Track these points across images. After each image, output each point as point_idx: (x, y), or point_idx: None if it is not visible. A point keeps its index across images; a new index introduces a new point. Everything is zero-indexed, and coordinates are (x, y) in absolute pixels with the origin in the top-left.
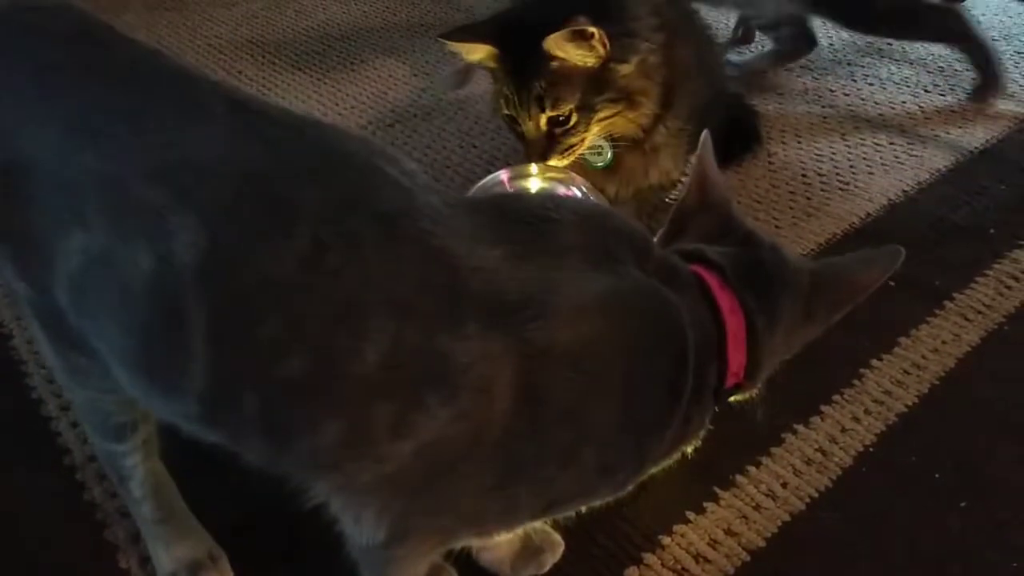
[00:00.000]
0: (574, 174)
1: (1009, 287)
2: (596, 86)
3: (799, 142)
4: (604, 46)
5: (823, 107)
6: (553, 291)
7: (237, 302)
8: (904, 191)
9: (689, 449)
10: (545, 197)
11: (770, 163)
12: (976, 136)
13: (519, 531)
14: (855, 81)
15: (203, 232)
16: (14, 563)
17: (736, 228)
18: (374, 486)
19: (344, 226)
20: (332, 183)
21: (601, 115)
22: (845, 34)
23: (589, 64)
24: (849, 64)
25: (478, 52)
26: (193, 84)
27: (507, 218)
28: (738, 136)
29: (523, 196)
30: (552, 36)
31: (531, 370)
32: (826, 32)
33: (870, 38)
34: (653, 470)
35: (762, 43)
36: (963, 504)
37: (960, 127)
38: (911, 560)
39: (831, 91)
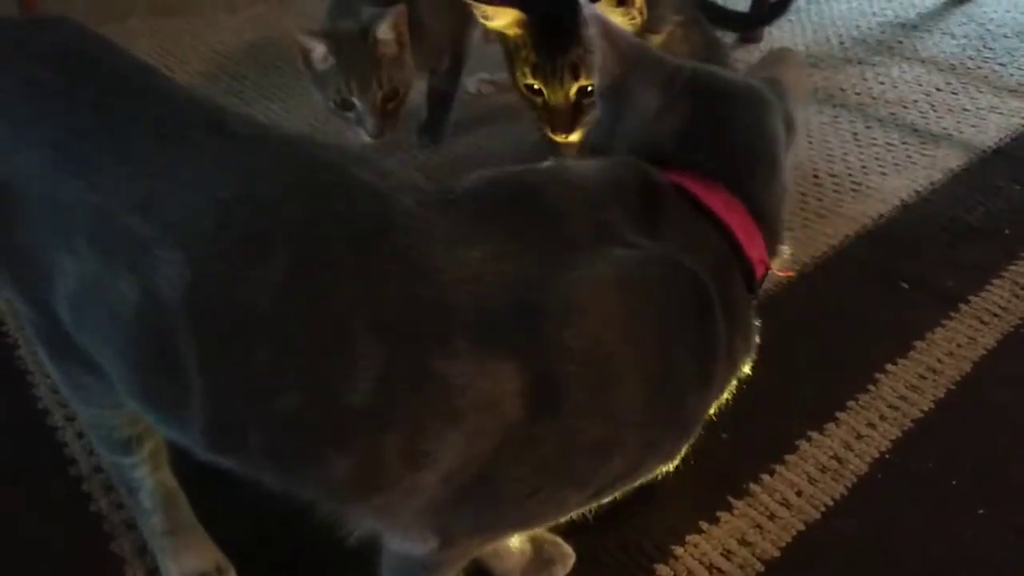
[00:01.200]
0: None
1: None
2: None
3: (810, 142)
4: (642, 13)
5: (834, 107)
6: (543, 289)
7: (225, 335)
8: (917, 191)
9: (746, 368)
10: (524, 171)
11: None
12: (989, 135)
13: (529, 542)
14: (866, 80)
15: (187, 265)
16: (20, 574)
17: (674, 74)
18: (410, 513)
19: (321, 249)
20: (307, 205)
21: None
22: (855, 33)
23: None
24: (860, 63)
25: (504, 17)
26: (176, 107)
27: (485, 208)
28: None
29: (499, 175)
30: (597, 3)
31: (537, 375)
32: (836, 31)
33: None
34: (711, 410)
35: (769, 43)
36: (981, 511)
37: (973, 126)
38: (928, 569)
39: (842, 90)
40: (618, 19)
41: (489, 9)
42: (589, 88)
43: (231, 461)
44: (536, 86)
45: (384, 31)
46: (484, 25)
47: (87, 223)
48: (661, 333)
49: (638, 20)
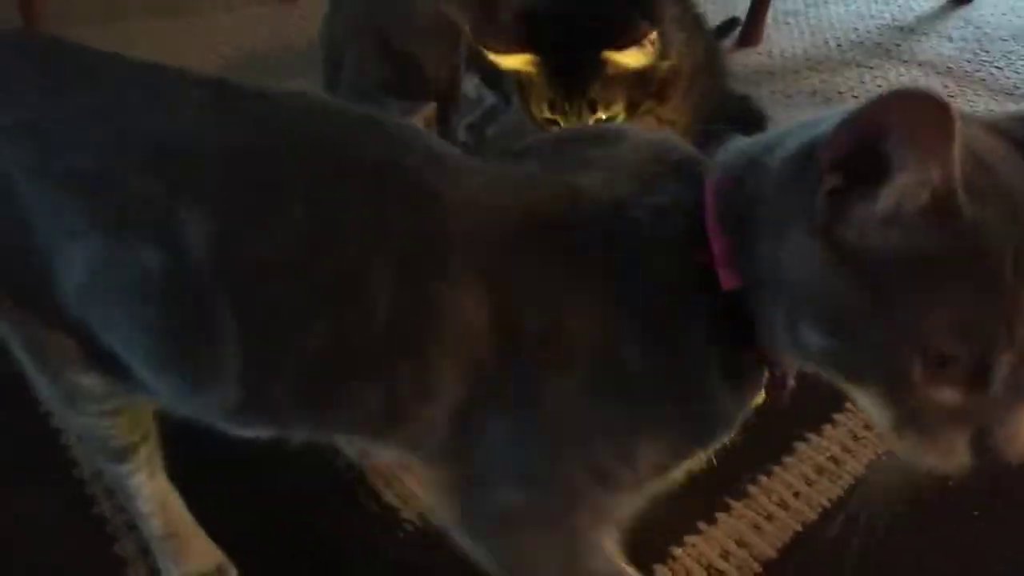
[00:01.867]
0: None
1: None
2: (641, 84)
3: None
4: (654, 44)
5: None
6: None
7: (255, 282)
8: None
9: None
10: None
11: None
12: None
13: None
14: (864, 83)
15: (209, 219)
16: None
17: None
18: (434, 452)
19: (333, 187)
20: (316, 146)
21: (641, 111)
22: (853, 36)
23: (641, 66)
24: (858, 66)
25: (516, 60)
26: (161, 72)
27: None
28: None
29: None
30: (618, 52)
31: (502, 308)
32: (834, 34)
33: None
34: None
35: (768, 47)
36: (976, 513)
37: None
38: (923, 570)
39: (840, 93)
40: (633, 58)
41: (497, 57)
42: (604, 118)
43: (261, 421)
44: (552, 118)
45: None
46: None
47: (89, 197)
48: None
49: (651, 52)
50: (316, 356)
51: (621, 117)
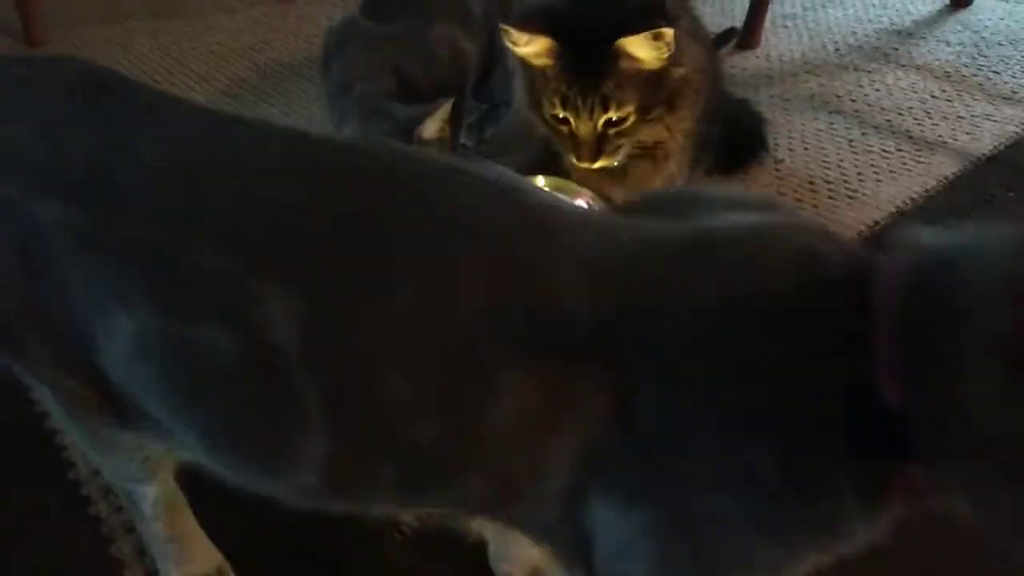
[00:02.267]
0: (579, 186)
1: None
2: (654, 87)
3: (806, 149)
4: (669, 47)
5: (829, 113)
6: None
7: (352, 369)
8: (912, 199)
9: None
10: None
11: (777, 170)
12: (984, 142)
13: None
14: (862, 87)
15: (295, 299)
16: None
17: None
18: (543, 530)
19: (443, 260)
20: (418, 208)
21: (651, 116)
22: (851, 40)
23: (654, 66)
24: (856, 70)
25: (535, 45)
26: (232, 124)
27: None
28: (745, 143)
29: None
30: (632, 37)
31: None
32: (832, 38)
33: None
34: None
35: (766, 50)
36: None
37: (967, 133)
38: (926, 568)
39: (838, 97)
40: (648, 55)
41: (519, 36)
42: (616, 119)
43: (338, 504)
44: (563, 116)
45: (430, 131)
46: (512, 51)
47: (146, 267)
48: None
49: (667, 54)
50: (420, 449)
51: (632, 120)
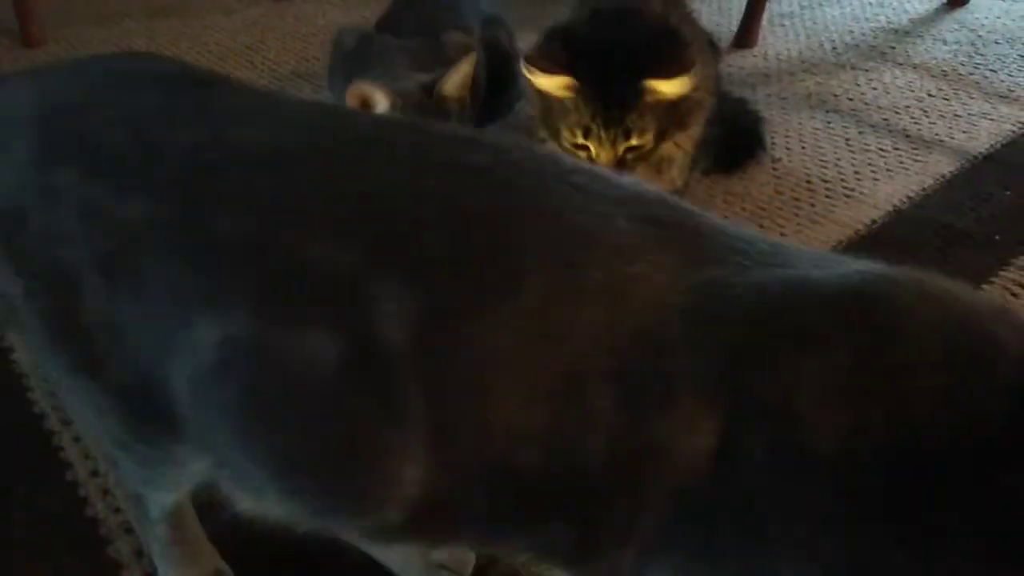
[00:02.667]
0: None
1: (1015, 295)
2: (673, 113)
3: (803, 148)
4: (692, 81)
5: (827, 112)
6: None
7: (462, 385)
8: (909, 197)
9: None
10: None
11: (774, 169)
12: (980, 141)
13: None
14: (859, 86)
15: (410, 299)
16: None
17: None
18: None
19: (567, 271)
20: (547, 209)
21: (666, 138)
22: (848, 38)
23: (676, 96)
24: (853, 68)
25: (556, 81)
26: (341, 116)
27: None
28: (742, 142)
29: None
30: (659, 81)
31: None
32: (829, 37)
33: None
34: None
35: (763, 49)
36: None
37: (964, 132)
38: None
39: (835, 96)
40: (674, 89)
41: (540, 74)
42: (635, 145)
43: (418, 540)
44: (583, 144)
45: (451, 88)
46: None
47: (248, 268)
48: None
49: (688, 88)
50: (518, 480)
51: (650, 144)
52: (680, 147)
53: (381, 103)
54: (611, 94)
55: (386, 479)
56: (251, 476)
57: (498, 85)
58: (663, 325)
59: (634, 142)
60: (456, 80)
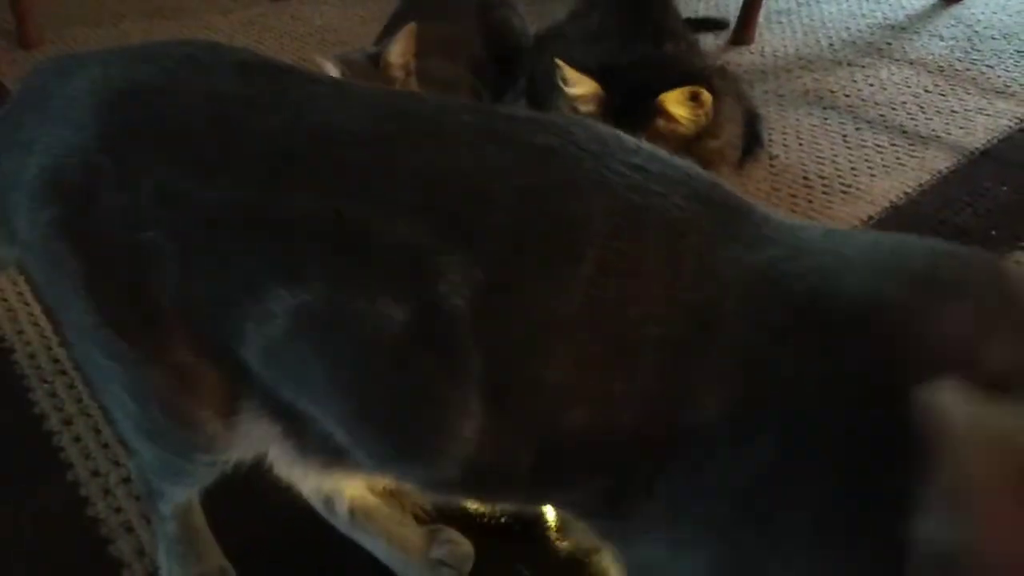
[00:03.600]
0: None
1: None
2: (689, 150)
3: (800, 145)
4: (708, 116)
5: (824, 109)
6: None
7: (520, 348)
8: (906, 193)
9: None
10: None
11: (771, 166)
12: (977, 137)
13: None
14: (855, 82)
15: (474, 268)
16: None
17: None
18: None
19: (628, 242)
20: (611, 189)
21: None
22: (845, 35)
23: (689, 130)
24: (849, 65)
25: (585, 87)
26: (404, 98)
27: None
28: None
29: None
30: (671, 93)
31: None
32: (826, 33)
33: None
34: None
35: (760, 45)
36: None
37: (961, 127)
38: None
39: (832, 92)
40: (684, 116)
41: (572, 75)
42: None
43: (473, 494)
44: None
45: (394, 56)
46: (564, 92)
47: (324, 239)
48: None
49: (703, 121)
50: (567, 438)
51: None
52: None
53: (332, 72)
54: (628, 112)
55: (446, 432)
56: (322, 429)
57: (505, 64)
58: (715, 300)
59: None
60: (398, 49)
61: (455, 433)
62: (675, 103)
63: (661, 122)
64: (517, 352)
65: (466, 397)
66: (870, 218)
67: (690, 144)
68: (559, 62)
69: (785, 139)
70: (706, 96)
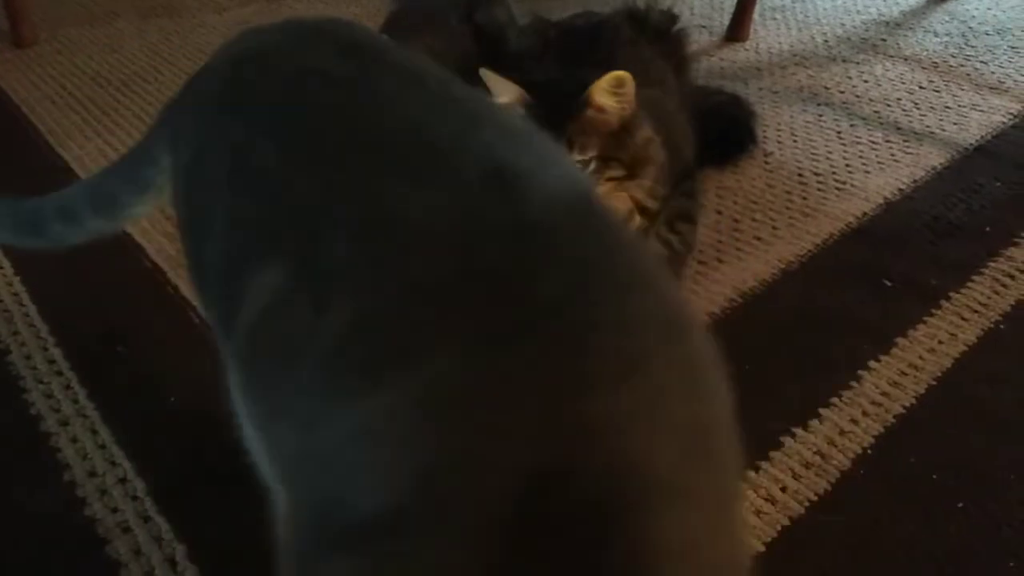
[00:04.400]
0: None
1: (1005, 285)
2: (614, 142)
3: (795, 141)
4: (631, 103)
5: (818, 105)
6: None
7: None
8: (900, 189)
9: None
10: None
11: (766, 163)
12: (971, 133)
13: None
14: (850, 79)
15: None
16: None
17: None
18: None
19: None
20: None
21: (611, 173)
22: (840, 31)
23: (615, 120)
24: (844, 61)
25: (509, 93)
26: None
27: None
28: (734, 136)
29: None
30: (598, 82)
31: None
32: (820, 29)
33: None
34: None
35: (755, 42)
36: (960, 504)
37: (955, 124)
38: (911, 562)
39: (826, 88)
40: (611, 104)
41: (495, 82)
42: (582, 164)
43: None
44: None
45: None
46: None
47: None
48: None
49: (627, 111)
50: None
51: (593, 166)
52: (633, 198)
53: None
54: (556, 110)
55: None
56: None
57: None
58: None
59: (577, 156)
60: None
61: None
62: (602, 93)
63: (591, 112)
64: None
65: None
66: (864, 214)
67: (619, 138)
68: (482, 71)
69: (779, 136)
70: (628, 80)
